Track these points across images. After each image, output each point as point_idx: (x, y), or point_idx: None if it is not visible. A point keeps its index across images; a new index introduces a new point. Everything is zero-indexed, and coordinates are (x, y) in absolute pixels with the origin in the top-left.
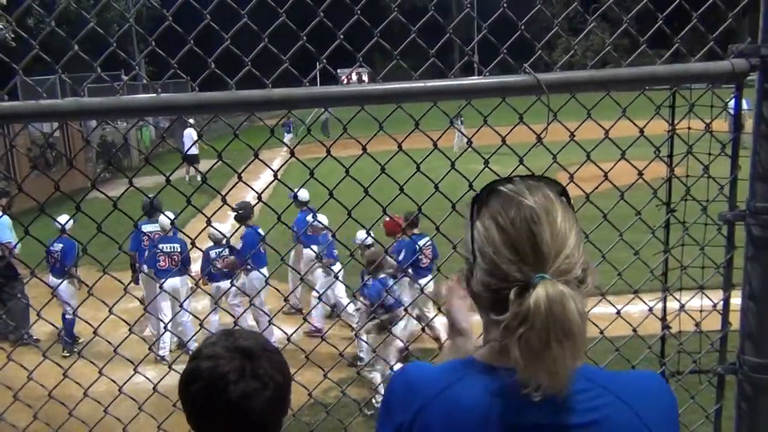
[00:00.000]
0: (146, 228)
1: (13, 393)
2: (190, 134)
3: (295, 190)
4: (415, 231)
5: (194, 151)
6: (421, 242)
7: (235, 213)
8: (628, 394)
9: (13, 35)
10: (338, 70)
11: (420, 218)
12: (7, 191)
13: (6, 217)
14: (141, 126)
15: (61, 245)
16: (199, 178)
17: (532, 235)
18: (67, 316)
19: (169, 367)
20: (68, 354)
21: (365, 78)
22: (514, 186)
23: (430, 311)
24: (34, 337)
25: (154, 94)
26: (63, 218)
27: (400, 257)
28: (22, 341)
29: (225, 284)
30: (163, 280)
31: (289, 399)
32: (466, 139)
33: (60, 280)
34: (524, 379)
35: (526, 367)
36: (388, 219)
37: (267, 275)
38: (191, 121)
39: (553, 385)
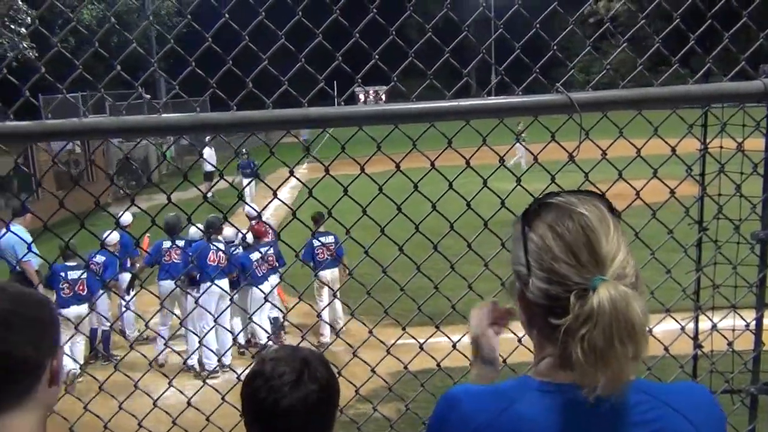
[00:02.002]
0: (166, 245)
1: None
2: (210, 153)
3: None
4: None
5: (210, 168)
6: (324, 239)
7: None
8: (683, 406)
9: (37, 54)
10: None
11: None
12: (27, 207)
13: (26, 234)
14: (162, 143)
15: (103, 258)
16: (210, 194)
17: (589, 241)
18: (103, 328)
19: (204, 381)
20: (105, 363)
21: (383, 96)
22: (564, 198)
23: (323, 299)
24: None
25: (194, 113)
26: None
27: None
28: None
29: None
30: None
31: (337, 407)
32: (525, 157)
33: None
34: (584, 380)
35: (588, 367)
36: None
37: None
38: (207, 138)
39: (612, 386)
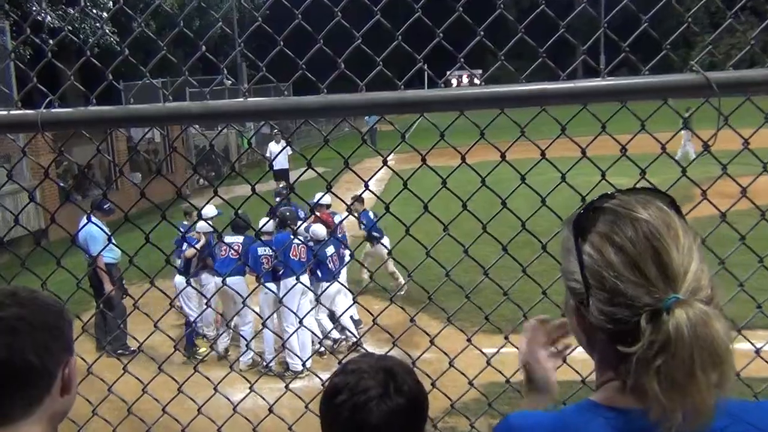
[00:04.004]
0: (228, 239)
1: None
2: (275, 148)
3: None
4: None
5: (284, 165)
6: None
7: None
8: None
9: (117, 39)
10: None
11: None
12: (104, 204)
13: (98, 229)
14: (244, 131)
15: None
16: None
17: (657, 253)
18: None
19: (287, 387)
20: (188, 357)
21: (477, 81)
22: (621, 201)
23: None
24: (131, 348)
25: (282, 97)
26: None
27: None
28: (119, 352)
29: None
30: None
31: (426, 421)
32: (691, 145)
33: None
34: (661, 417)
35: (666, 402)
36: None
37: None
38: (276, 131)
39: (696, 421)
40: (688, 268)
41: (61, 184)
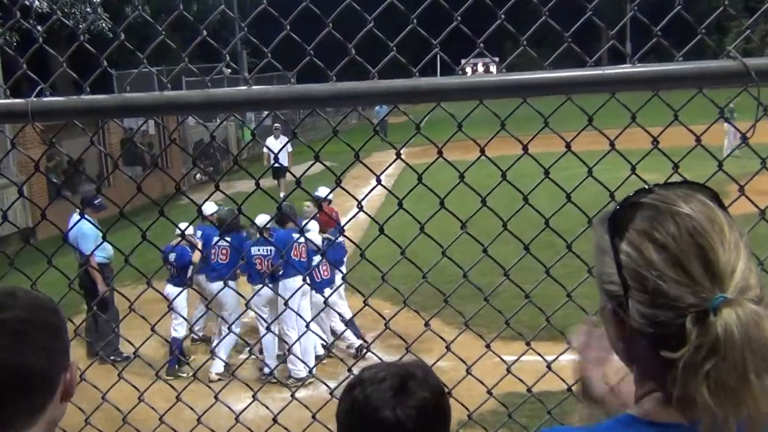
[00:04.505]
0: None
1: (123, 416)
2: (273, 144)
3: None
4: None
5: (283, 162)
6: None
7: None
8: None
9: (111, 24)
10: (466, 61)
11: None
12: (95, 199)
13: (90, 226)
14: (243, 125)
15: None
16: (282, 194)
17: (702, 250)
18: (174, 333)
19: (293, 395)
20: (172, 377)
21: (493, 69)
22: (660, 195)
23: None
24: (125, 354)
25: (288, 86)
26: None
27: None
28: (111, 359)
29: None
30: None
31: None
32: (739, 136)
33: (178, 290)
34: (712, 429)
35: (718, 411)
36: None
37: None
38: (277, 125)
39: (750, 428)
40: (735, 266)
41: (54, 179)
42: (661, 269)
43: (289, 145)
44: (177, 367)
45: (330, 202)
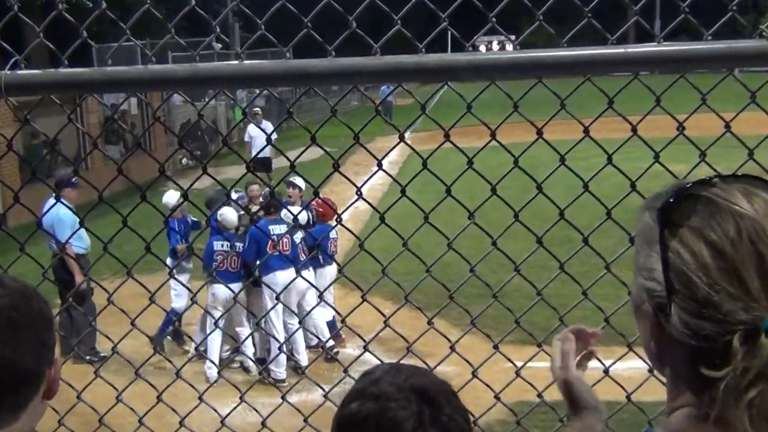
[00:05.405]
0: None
1: (99, 417)
2: (255, 132)
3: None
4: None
5: (265, 152)
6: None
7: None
8: None
9: None
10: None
11: None
12: (71, 180)
13: (67, 211)
14: (234, 105)
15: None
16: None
17: (761, 260)
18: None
19: (283, 398)
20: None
21: (508, 48)
22: (721, 190)
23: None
24: (101, 354)
25: (284, 60)
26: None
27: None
28: (87, 358)
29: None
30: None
31: None
32: None
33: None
34: None
35: None
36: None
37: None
38: (257, 109)
39: None
40: None
41: (48, 157)
42: (715, 277)
43: (273, 132)
44: (180, 342)
45: (302, 190)
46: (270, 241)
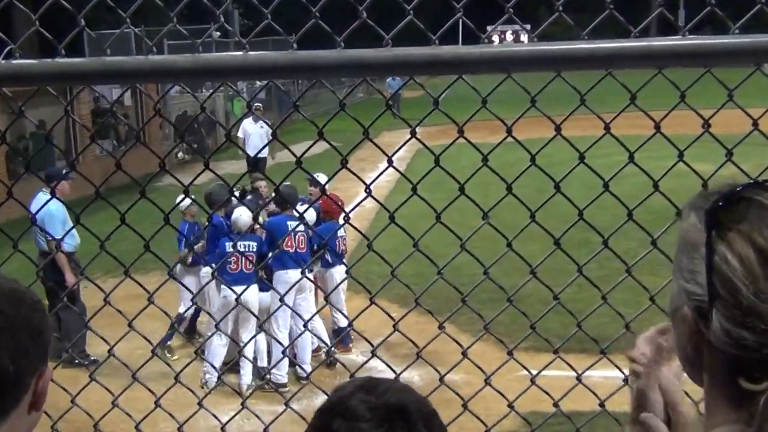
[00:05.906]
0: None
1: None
2: (257, 130)
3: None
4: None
5: (263, 152)
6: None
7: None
8: None
9: None
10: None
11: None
12: (64, 173)
13: (59, 206)
14: (233, 97)
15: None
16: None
17: None
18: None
19: (287, 404)
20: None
21: (524, 39)
22: None
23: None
24: (92, 358)
25: (290, 51)
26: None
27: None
28: (77, 362)
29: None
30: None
31: None
32: None
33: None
34: None
35: None
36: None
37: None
38: (258, 104)
39: None
40: None
41: (35, 155)
42: (761, 286)
43: (267, 131)
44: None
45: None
46: (287, 237)
